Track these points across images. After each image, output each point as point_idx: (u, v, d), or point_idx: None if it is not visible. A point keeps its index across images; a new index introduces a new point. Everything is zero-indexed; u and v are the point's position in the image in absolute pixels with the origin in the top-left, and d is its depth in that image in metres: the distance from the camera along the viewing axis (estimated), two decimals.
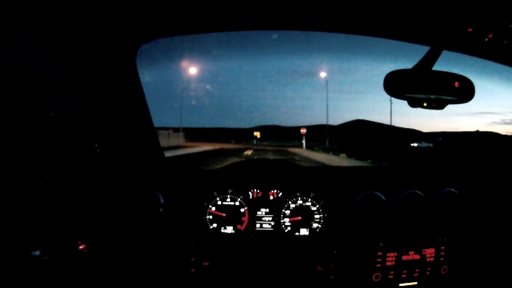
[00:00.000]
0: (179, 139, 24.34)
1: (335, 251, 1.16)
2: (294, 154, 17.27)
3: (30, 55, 0.90)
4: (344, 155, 15.98)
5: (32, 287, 0.91)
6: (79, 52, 1.01)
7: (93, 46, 1.02)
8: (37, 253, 0.94)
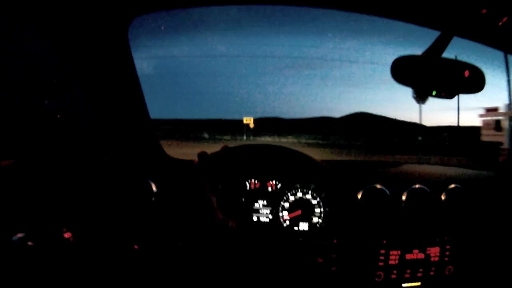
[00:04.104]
0: None
1: (335, 241, 1.08)
2: None
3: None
4: None
5: (13, 274, 0.86)
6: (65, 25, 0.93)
7: (81, 14, 0.91)
8: (19, 238, 0.89)
